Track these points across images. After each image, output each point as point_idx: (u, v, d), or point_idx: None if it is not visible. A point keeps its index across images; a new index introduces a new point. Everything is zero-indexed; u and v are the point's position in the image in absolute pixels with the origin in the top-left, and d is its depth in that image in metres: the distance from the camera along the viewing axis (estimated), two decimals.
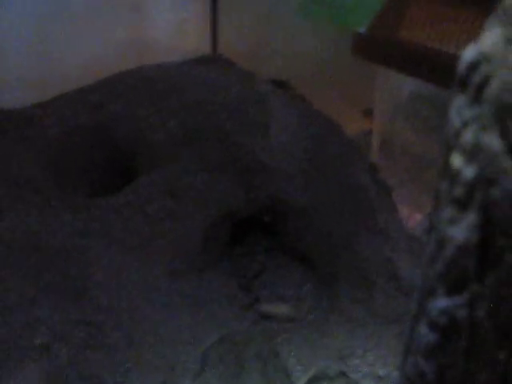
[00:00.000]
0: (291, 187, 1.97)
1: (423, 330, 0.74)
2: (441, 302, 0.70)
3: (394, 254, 1.87)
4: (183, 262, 1.83)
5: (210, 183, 1.93)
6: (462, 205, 0.65)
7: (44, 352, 1.53)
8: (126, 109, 2.11)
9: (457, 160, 0.65)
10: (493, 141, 0.61)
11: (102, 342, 1.57)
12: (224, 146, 1.98)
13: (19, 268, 1.70)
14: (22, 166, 2.04)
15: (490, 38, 0.63)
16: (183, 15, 2.83)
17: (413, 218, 2.28)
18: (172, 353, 1.59)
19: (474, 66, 0.64)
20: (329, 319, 1.77)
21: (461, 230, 0.64)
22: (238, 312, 1.78)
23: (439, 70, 1.95)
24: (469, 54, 0.65)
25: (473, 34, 0.62)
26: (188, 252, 1.85)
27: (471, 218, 0.63)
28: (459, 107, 0.66)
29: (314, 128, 2.11)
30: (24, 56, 2.59)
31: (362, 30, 2.25)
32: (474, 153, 0.63)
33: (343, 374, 1.47)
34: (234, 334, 1.62)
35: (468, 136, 0.64)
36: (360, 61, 2.42)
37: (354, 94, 2.85)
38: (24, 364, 1.50)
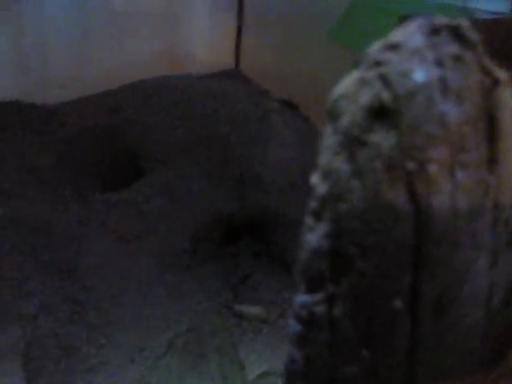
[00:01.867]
0: (283, 200, 2.11)
1: (291, 321, 0.85)
2: (301, 298, 0.81)
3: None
4: (171, 258, 1.98)
5: (206, 189, 2.08)
6: (317, 216, 0.77)
7: (30, 321, 1.71)
8: (140, 114, 2.29)
9: (315, 178, 0.78)
10: (341, 164, 0.74)
11: (82, 319, 1.74)
12: (224, 156, 2.14)
13: (22, 246, 1.88)
14: (39, 156, 2.23)
15: (349, 79, 0.77)
16: (212, 32, 2.99)
17: None
18: (143, 336, 1.74)
19: (334, 101, 0.77)
20: None
21: (315, 237, 0.76)
22: (215, 308, 1.92)
23: None
24: (333, 91, 0.78)
25: None
26: (177, 249, 2.00)
27: (324, 227, 0.75)
28: (325, 136, 0.79)
29: (312, 147, 2.24)
30: (62, 57, 2.77)
31: None
32: (327, 173, 0.76)
33: None
34: (202, 326, 1.75)
35: (324, 159, 0.77)
36: None
37: None
38: (10, 329, 1.67)
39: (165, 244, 1.98)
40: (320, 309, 0.78)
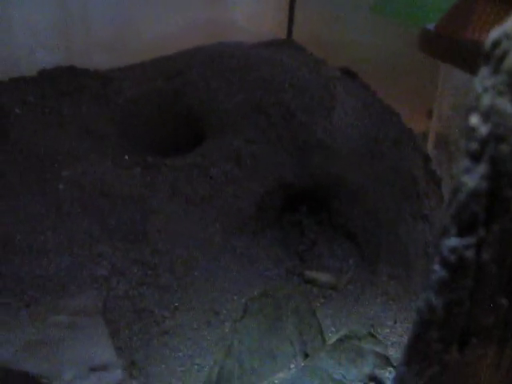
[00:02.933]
0: (346, 168, 2.08)
1: (436, 267, 0.84)
2: (452, 241, 0.79)
3: (435, 239, 1.96)
4: (238, 223, 1.97)
5: (270, 155, 2.06)
6: (476, 157, 0.75)
7: (104, 283, 1.70)
8: (201, 79, 2.26)
9: (474, 119, 0.76)
10: (506, 104, 0.72)
11: (155, 281, 1.73)
12: (287, 122, 2.11)
13: (89, 209, 1.87)
14: (100, 121, 2.21)
15: None
16: (262, 1, 2.96)
17: None
18: (218, 299, 1.74)
19: (497, 42, 0.75)
20: (366, 291, 1.88)
21: (473, 178, 0.74)
22: (283, 274, 1.91)
23: None
24: (494, 33, 0.76)
25: None
26: (243, 214, 1.98)
27: (483, 168, 0.73)
28: (482, 77, 0.77)
29: (374, 115, 2.21)
30: (109, 23, 2.74)
31: (430, 26, 2.33)
32: (489, 113, 0.74)
33: (372, 335, 1.58)
34: (276, 290, 1.74)
35: (486, 100, 0.74)
36: (429, 60, 2.49)
37: (421, 93, 2.92)
38: (85, 290, 1.67)
39: (231, 209, 1.97)
40: (470, 253, 0.76)
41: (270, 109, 2.14)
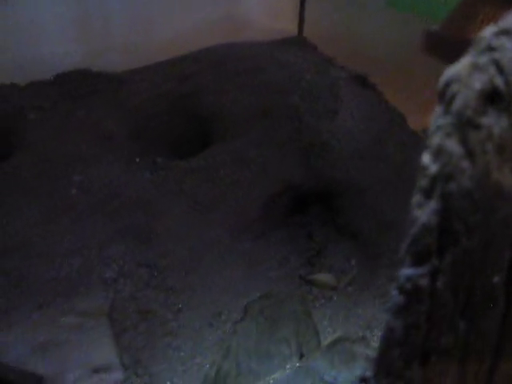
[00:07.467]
0: (351, 169, 2.12)
1: (394, 292, 0.89)
2: (407, 271, 0.85)
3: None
4: (243, 225, 2.02)
5: (276, 157, 2.11)
6: (427, 193, 0.80)
7: (111, 285, 1.77)
8: (210, 82, 2.31)
9: (426, 157, 0.81)
10: (453, 145, 0.76)
11: (160, 283, 1.80)
12: (293, 124, 2.15)
13: (98, 212, 1.94)
14: (112, 124, 2.28)
15: (462, 63, 0.79)
16: None
17: None
18: (220, 300, 1.80)
19: (448, 84, 0.79)
20: (365, 293, 1.93)
21: (425, 212, 0.80)
22: (286, 275, 1.96)
23: None
24: (447, 73, 0.80)
25: None
26: (249, 216, 2.04)
27: (433, 204, 0.78)
28: (436, 116, 0.81)
29: (380, 117, 2.25)
30: (125, 25, 2.79)
31: (434, 27, 2.34)
32: (438, 153, 0.78)
33: (364, 338, 1.63)
34: (276, 292, 1.80)
35: (436, 139, 0.79)
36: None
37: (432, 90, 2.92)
38: (92, 292, 1.74)
39: (237, 211, 2.02)
40: (424, 281, 0.81)
41: (277, 112, 2.19)
